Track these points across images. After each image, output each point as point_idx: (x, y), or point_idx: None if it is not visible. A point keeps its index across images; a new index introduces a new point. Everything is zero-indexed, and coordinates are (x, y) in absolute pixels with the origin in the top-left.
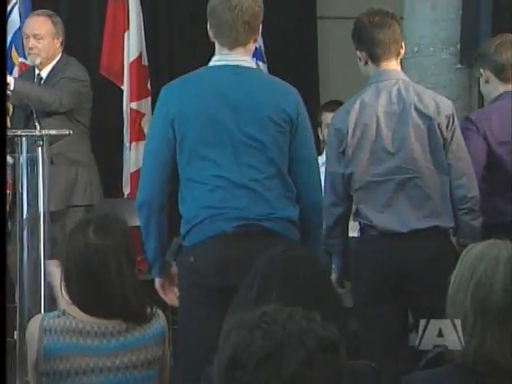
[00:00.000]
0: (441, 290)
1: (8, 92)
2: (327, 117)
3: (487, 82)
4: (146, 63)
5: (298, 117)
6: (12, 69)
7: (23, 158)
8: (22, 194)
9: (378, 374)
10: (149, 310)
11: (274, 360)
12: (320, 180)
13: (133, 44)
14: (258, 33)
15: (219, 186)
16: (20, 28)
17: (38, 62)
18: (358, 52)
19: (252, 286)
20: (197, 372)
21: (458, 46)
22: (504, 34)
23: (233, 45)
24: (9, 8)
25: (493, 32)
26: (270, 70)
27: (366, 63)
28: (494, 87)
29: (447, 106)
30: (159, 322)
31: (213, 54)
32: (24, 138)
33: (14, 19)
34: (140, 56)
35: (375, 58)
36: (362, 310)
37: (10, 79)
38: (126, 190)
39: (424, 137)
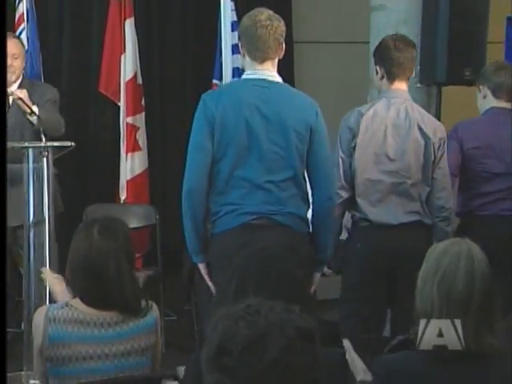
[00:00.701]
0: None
1: (34, 119)
2: None
3: (484, 97)
4: (141, 82)
5: (316, 126)
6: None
7: (30, 167)
8: (28, 199)
9: (347, 360)
10: (144, 303)
11: (257, 347)
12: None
13: (129, 65)
14: (283, 49)
15: (240, 186)
16: (27, 51)
17: (13, 79)
18: (377, 67)
19: (230, 283)
20: None
21: (418, 67)
22: (500, 60)
23: (264, 59)
24: (17, 33)
25: (447, 56)
26: None
27: (382, 78)
28: (487, 102)
29: (441, 129)
30: (152, 313)
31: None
32: (30, 150)
33: None
34: (135, 76)
35: (391, 77)
36: (352, 292)
37: (34, 107)
38: (123, 196)
39: (420, 151)
